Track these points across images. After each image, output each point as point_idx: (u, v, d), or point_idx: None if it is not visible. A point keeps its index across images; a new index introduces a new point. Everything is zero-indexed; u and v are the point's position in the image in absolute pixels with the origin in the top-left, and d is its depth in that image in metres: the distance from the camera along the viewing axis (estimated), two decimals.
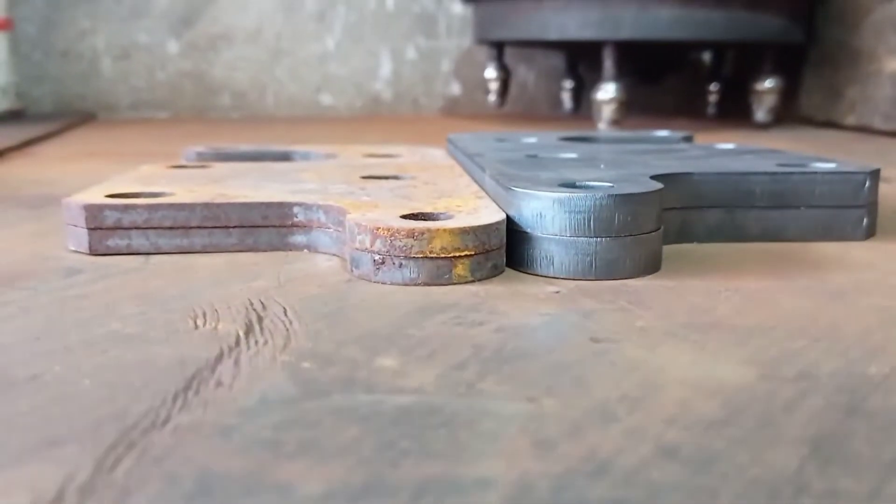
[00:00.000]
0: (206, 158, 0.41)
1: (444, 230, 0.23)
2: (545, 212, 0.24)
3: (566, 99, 1.07)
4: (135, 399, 0.15)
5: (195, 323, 0.20)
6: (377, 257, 0.23)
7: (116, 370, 0.17)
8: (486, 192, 0.30)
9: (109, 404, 0.15)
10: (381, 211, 0.26)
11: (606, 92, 0.80)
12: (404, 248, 0.23)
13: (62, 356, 0.18)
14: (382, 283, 0.23)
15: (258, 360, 0.17)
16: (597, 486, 0.12)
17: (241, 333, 0.19)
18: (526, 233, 0.25)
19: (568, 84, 1.07)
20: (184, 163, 0.39)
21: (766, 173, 0.29)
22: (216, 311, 0.21)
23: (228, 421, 0.14)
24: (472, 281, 0.24)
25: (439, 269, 0.23)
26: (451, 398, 0.16)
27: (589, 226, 0.24)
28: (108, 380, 0.16)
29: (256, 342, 0.18)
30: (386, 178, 0.33)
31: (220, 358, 0.17)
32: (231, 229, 0.27)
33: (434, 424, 0.14)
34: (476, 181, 0.33)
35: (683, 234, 0.29)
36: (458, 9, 1.09)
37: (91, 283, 0.23)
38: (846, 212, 0.29)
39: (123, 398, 0.15)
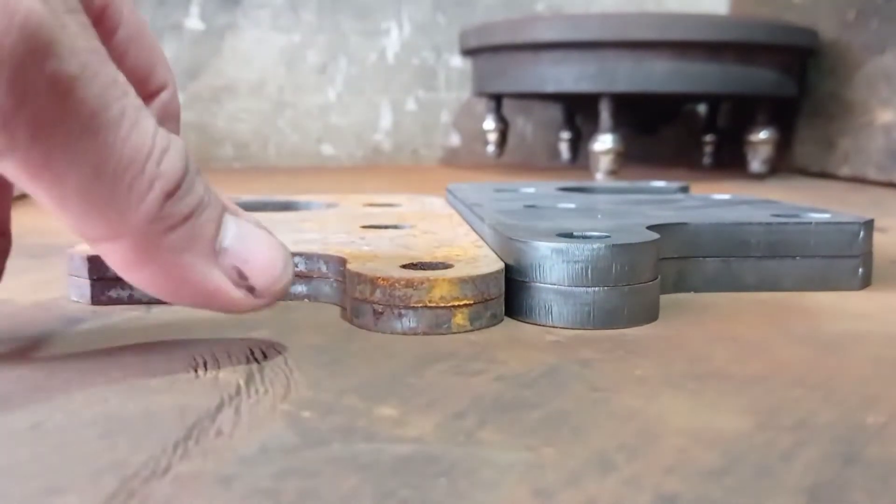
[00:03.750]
0: None
1: (444, 280, 0.23)
2: (543, 261, 0.25)
3: (564, 149, 1.09)
4: (135, 448, 0.15)
5: (196, 372, 0.20)
6: (377, 307, 0.24)
7: (117, 419, 0.17)
8: (485, 242, 0.30)
9: (110, 453, 0.15)
10: (381, 261, 0.26)
11: (603, 143, 0.81)
12: (404, 297, 0.23)
13: (63, 405, 0.18)
14: (382, 333, 0.24)
15: (258, 408, 0.18)
16: None
17: (242, 382, 0.19)
18: (524, 282, 0.25)
19: (565, 135, 1.08)
20: None
21: (761, 224, 0.30)
22: (217, 360, 0.21)
23: (228, 470, 0.14)
24: (471, 330, 0.24)
25: (438, 319, 0.23)
26: (451, 447, 0.16)
27: (587, 275, 0.24)
28: (108, 428, 0.16)
29: (257, 391, 0.19)
30: (386, 227, 0.34)
31: (220, 407, 0.18)
32: None
33: (433, 473, 0.14)
34: (475, 230, 0.33)
35: (680, 284, 0.29)
36: (458, 62, 1.12)
37: (92, 333, 0.24)
38: (841, 262, 0.30)
39: (124, 447, 0.15)
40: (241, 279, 0.18)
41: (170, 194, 0.17)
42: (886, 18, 0.81)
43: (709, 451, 0.16)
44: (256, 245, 0.19)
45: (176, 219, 0.17)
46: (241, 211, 0.19)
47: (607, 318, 0.24)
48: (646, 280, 0.25)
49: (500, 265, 0.25)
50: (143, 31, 0.21)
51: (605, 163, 0.81)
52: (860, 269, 0.30)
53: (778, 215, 0.31)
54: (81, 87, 0.15)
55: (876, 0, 0.82)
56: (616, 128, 0.81)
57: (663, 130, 1.10)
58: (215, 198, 0.18)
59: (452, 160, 1.14)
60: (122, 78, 0.17)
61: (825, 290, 0.30)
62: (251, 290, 0.19)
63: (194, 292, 0.18)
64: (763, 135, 0.86)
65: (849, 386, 0.19)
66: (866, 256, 0.30)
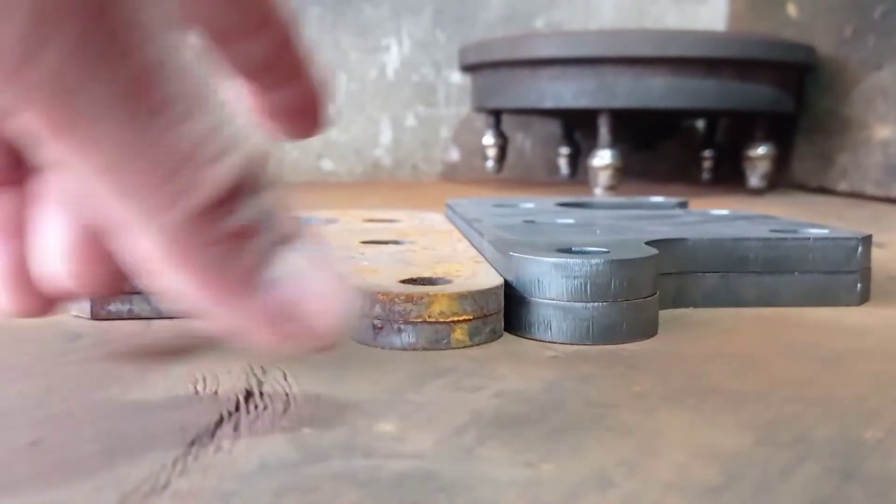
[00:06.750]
0: None
1: (443, 295, 0.23)
2: (542, 277, 0.25)
3: (563, 165, 1.09)
4: (135, 464, 0.15)
5: (195, 388, 0.20)
6: (377, 322, 0.24)
7: (117, 435, 0.17)
8: (485, 257, 0.30)
9: (110, 470, 0.15)
10: (380, 276, 0.26)
11: (602, 158, 0.81)
12: (403, 312, 0.23)
13: (63, 421, 0.18)
14: (382, 348, 0.24)
15: (258, 424, 0.18)
16: None
17: (241, 398, 0.19)
18: (524, 297, 0.25)
19: (564, 150, 1.09)
20: None
21: (759, 239, 0.30)
22: (216, 375, 0.21)
23: (228, 486, 0.14)
24: (471, 345, 0.24)
25: (438, 334, 0.23)
26: (450, 463, 0.16)
27: (586, 291, 0.24)
28: (108, 445, 0.16)
29: (256, 407, 0.19)
30: (385, 242, 0.34)
31: (219, 423, 0.18)
32: None
33: (433, 489, 0.14)
34: (474, 246, 0.33)
35: (679, 299, 0.29)
36: (457, 78, 1.12)
37: (92, 348, 0.24)
38: (840, 277, 0.30)
39: (124, 463, 0.15)
40: (281, 319, 0.15)
41: (203, 211, 0.14)
42: (883, 35, 0.82)
43: (708, 466, 0.16)
44: (311, 285, 0.16)
45: (208, 239, 0.14)
46: (310, 240, 0.16)
47: (606, 333, 0.24)
48: (645, 295, 0.25)
49: (500, 280, 0.25)
50: None
51: (603, 178, 0.81)
52: (858, 285, 0.30)
53: (776, 231, 0.31)
54: (142, 47, 0.13)
55: (872, 16, 0.83)
56: (615, 143, 0.81)
57: (662, 146, 1.10)
58: (275, 224, 0.15)
59: (452, 175, 1.15)
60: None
61: (824, 305, 0.30)
62: (292, 334, 0.15)
63: (216, 317, 0.15)
64: (761, 150, 0.86)
65: (847, 401, 0.19)
66: (865, 272, 0.30)
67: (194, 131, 0.14)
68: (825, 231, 0.31)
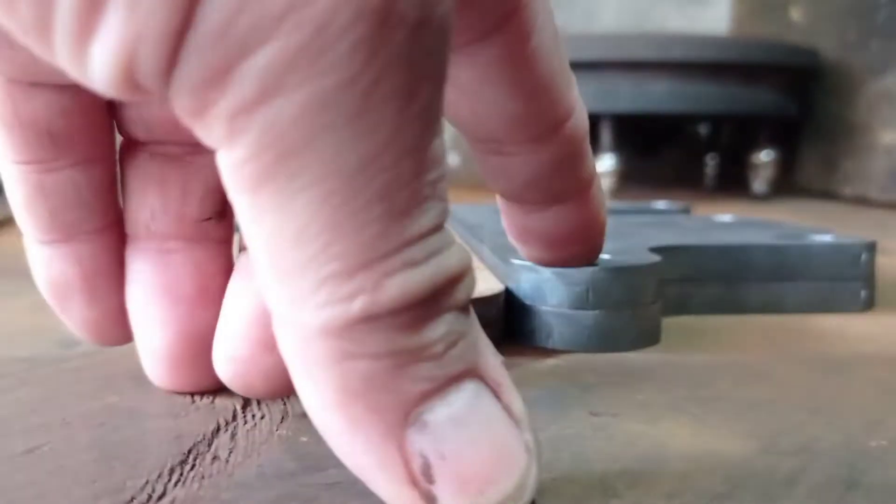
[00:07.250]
0: None
1: None
2: (543, 284, 0.25)
3: None
4: (131, 473, 0.15)
5: (192, 396, 0.20)
6: None
7: (114, 443, 0.17)
8: (485, 264, 0.30)
9: (106, 478, 0.15)
10: None
11: (605, 163, 0.81)
12: None
13: (60, 429, 0.17)
14: None
15: (255, 433, 0.17)
16: None
17: (239, 407, 0.19)
18: (524, 305, 0.25)
19: None
20: None
21: (763, 246, 0.30)
22: None
23: (225, 495, 0.14)
24: None
25: None
26: None
27: (587, 298, 0.24)
28: (105, 453, 0.16)
29: (254, 416, 0.18)
30: None
31: (217, 432, 0.17)
32: None
33: None
34: (475, 252, 0.33)
35: (682, 307, 0.29)
36: None
37: (89, 356, 0.23)
38: (844, 284, 0.30)
39: (120, 472, 0.15)
40: (423, 477, 0.12)
41: (370, 318, 0.11)
42: (887, 40, 0.81)
43: (711, 476, 0.15)
44: (475, 444, 0.12)
45: (360, 351, 0.11)
46: (507, 390, 0.13)
47: (608, 341, 0.24)
48: (647, 303, 0.25)
49: (500, 287, 0.25)
50: (556, 42, 0.17)
51: (606, 183, 0.81)
52: (863, 292, 0.30)
53: (781, 237, 0.31)
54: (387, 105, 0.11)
55: (876, 21, 0.83)
56: (617, 148, 0.81)
57: (664, 151, 1.10)
58: (458, 353, 0.12)
59: (452, 181, 1.14)
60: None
61: (828, 312, 0.29)
62: (431, 499, 0.12)
63: (345, 450, 0.13)
64: (765, 155, 0.86)
65: (852, 409, 0.19)
66: (869, 278, 0.30)
67: (402, 215, 0.11)
68: (830, 237, 0.31)
